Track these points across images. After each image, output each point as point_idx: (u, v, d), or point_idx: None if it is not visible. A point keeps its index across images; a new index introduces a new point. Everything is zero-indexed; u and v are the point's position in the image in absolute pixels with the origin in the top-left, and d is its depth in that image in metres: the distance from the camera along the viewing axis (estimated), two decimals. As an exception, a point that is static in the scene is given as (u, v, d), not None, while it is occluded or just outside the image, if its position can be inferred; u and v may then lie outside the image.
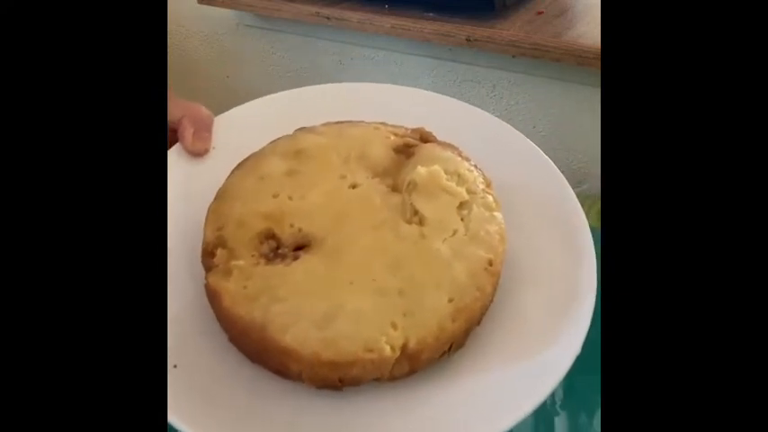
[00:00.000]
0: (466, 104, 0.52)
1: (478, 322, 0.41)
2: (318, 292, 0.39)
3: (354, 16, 1.02)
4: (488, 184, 0.46)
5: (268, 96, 0.54)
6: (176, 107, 0.48)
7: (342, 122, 0.49)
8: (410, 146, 0.47)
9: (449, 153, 0.47)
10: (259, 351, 0.39)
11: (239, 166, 0.46)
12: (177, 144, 0.47)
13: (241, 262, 0.40)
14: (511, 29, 0.93)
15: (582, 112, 0.98)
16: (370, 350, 0.37)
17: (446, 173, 0.45)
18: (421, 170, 0.44)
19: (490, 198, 0.45)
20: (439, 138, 0.48)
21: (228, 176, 0.45)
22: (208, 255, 0.42)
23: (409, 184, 0.44)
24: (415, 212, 0.43)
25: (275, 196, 0.43)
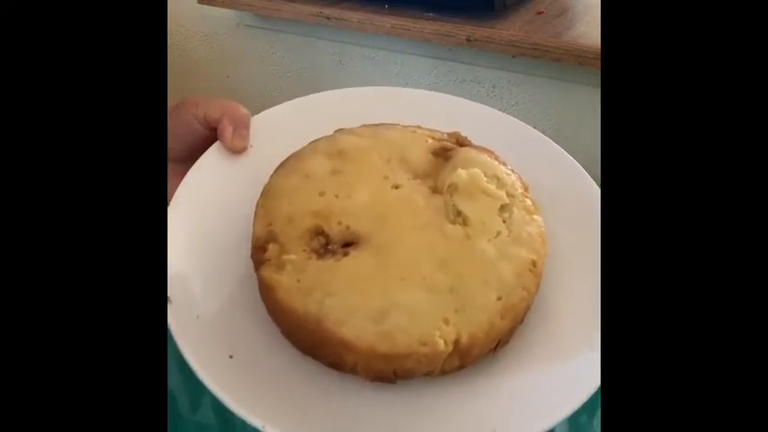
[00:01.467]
0: (494, 110, 0.55)
1: (522, 320, 0.43)
2: (370, 288, 0.41)
3: (354, 16, 1.02)
4: (526, 188, 0.48)
5: (304, 98, 0.57)
6: (216, 106, 0.50)
7: (378, 125, 0.50)
8: (447, 149, 0.49)
9: (485, 157, 0.48)
10: (314, 344, 0.40)
11: (282, 165, 0.47)
12: (217, 142, 0.49)
13: (293, 256, 0.42)
14: (511, 29, 0.93)
15: (582, 112, 0.98)
16: (425, 344, 0.39)
17: (485, 176, 0.47)
18: (461, 173, 0.46)
19: (529, 201, 0.47)
20: (473, 142, 0.50)
21: (272, 175, 0.47)
22: (259, 249, 0.43)
23: (450, 186, 0.46)
24: (458, 213, 0.44)
25: (321, 194, 0.45)
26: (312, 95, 0.57)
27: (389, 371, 0.39)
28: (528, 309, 0.43)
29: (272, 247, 0.42)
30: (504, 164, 0.48)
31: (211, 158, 0.49)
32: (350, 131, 0.50)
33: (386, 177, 0.46)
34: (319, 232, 0.43)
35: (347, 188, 0.45)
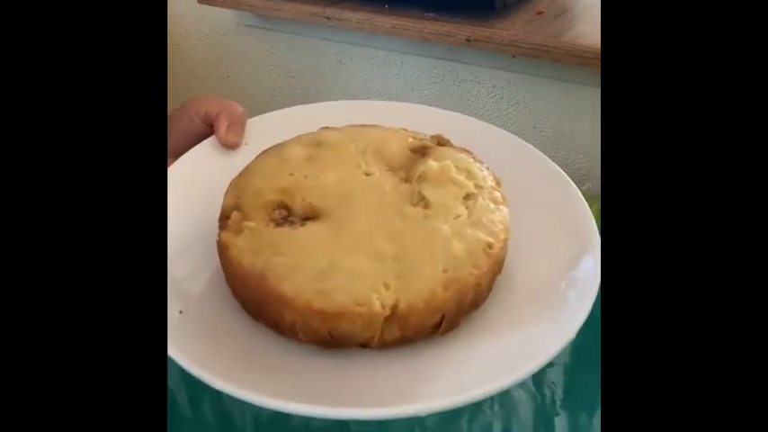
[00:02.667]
0: (489, 125, 0.56)
1: (476, 306, 0.43)
2: (318, 251, 0.41)
3: (354, 16, 1.02)
4: (498, 183, 0.48)
5: (303, 106, 0.59)
6: (214, 103, 0.53)
7: (364, 125, 0.52)
8: (426, 147, 0.50)
9: (462, 154, 0.49)
10: (258, 301, 0.41)
11: (264, 151, 0.50)
12: (212, 136, 0.52)
13: (253, 223, 0.43)
14: (511, 29, 0.93)
15: (582, 112, 0.98)
16: (361, 304, 0.39)
17: (457, 168, 0.47)
18: (432, 163, 0.47)
19: (497, 194, 0.47)
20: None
21: (253, 159, 0.49)
22: (224, 218, 0.45)
23: (420, 175, 0.46)
24: (422, 198, 0.45)
25: (291, 174, 0.47)
26: (314, 104, 0.59)
27: (325, 331, 0.39)
28: (480, 290, 0.42)
29: (234, 214, 0.44)
30: (481, 162, 0.49)
31: (202, 149, 0.52)
32: (333, 128, 0.51)
33: (358, 165, 0.47)
34: (282, 206, 0.45)
35: (317, 171, 0.47)
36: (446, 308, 0.41)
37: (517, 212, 0.47)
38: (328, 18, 1.04)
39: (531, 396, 0.59)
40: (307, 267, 0.40)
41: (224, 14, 1.23)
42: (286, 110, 0.58)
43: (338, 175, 0.47)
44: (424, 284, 0.40)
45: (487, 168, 0.48)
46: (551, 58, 0.90)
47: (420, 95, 1.10)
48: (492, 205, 0.46)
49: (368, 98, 1.15)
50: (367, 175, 0.47)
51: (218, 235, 0.44)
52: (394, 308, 0.39)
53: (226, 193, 0.46)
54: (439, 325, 0.41)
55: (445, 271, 0.41)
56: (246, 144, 0.53)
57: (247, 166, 0.48)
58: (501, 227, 0.44)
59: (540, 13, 0.97)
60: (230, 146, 0.52)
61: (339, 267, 0.40)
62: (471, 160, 0.49)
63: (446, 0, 0.97)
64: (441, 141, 0.51)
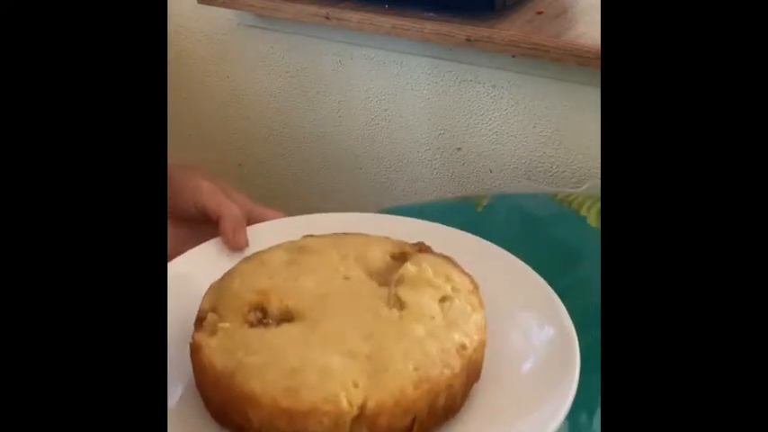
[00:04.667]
0: (472, 235, 0.55)
1: (450, 412, 0.42)
2: (291, 350, 0.41)
3: (354, 16, 1.02)
4: (476, 288, 0.47)
5: (287, 219, 0.59)
6: (213, 201, 0.56)
7: (348, 233, 0.52)
8: (407, 254, 0.50)
9: (442, 260, 0.49)
10: (225, 402, 0.40)
11: (246, 257, 0.50)
12: (203, 244, 0.54)
13: (227, 324, 0.43)
14: (511, 29, 0.93)
15: (582, 112, 0.98)
16: (328, 402, 0.38)
17: (435, 272, 0.47)
18: (410, 266, 0.47)
19: (475, 299, 0.46)
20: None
21: (236, 264, 0.49)
22: (200, 320, 0.44)
23: (397, 279, 0.46)
24: (398, 300, 0.44)
25: (271, 277, 0.47)
26: (301, 217, 0.59)
27: None
28: (453, 393, 0.41)
29: (210, 316, 0.44)
30: (462, 269, 0.49)
31: (206, 250, 0.53)
32: (317, 236, 0.51)
33: (337, 270, 0.47)
34: (259, 308, 0.44)
35: (297, 274, 0.47)
36: (417, 409, 0.39)
37: (497, 320, 0.46)
38: (328, 18, 1.04)
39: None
40: (278, 365, 0.40)
41: (224, 14, 1.23)
42: (272, 222, 0.58)
43: (317, 278, 0.46)
44: (393, 382, 0.39)
45: (466, 274, 0.48)
46: (551, 58, 0.90)
47: (420, 95, 1.10)
48: (468, 308, 0.45)
49: (368, 98, 1.15)
50: (346, 278, 0.47)
51: (192, 336, 0.43)
52: (362, 407, 0.38)
53: (204, 295, 0.46)
54: (410, 429, 0.40)
55: (416, 369, 0.40)
56: (229, 255, 0.53)
57: (228, 271, 0.48)
58: (475, 328, 0.44)
59: (539, 13, 0.97)
60: (240, 248, 0.54)
61: (310, 365, 0.39)
62: (450, 266, 0.48)
63: (446, 0, 0.97)
64: (422, 248, 0.50)
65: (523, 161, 1.04)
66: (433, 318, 0.43)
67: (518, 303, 0.49)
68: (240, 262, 0.49)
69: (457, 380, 0.41)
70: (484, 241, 0.54)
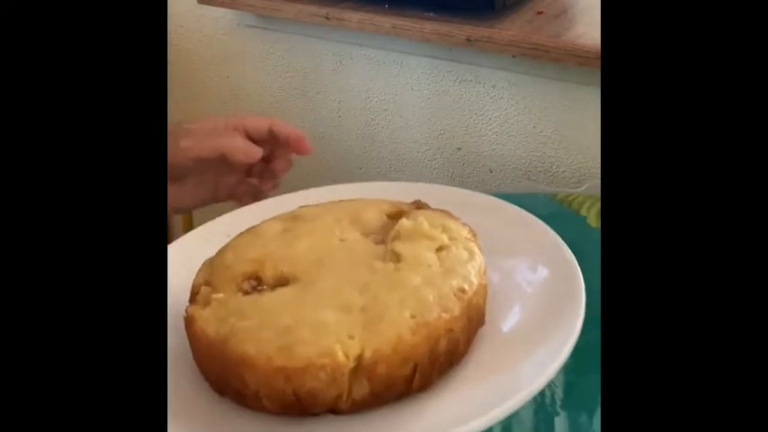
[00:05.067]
0: (471, 192, 0.55)
1: (453, 357, 0.41)
2: (285, 311, 0.40)
3: (354, 16, 1.02)
4: (474, 236, 0.47)
5: (292, 194, 0.59)
6: (206, 148, 0.59)
7: (343, 200, 0.51)
8: (404, 211, 0.49)
9: (439, 213, 0.48)
10: (221, 370, 0.40)
11: (242, 232, 0.49)
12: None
13: (221, 294, 0.43)
14: (511, 29, 0.92)
15: (582, 112, 0.98)
16: (324, 356, 0.37)
17: (431, 224, 0.46)
18: (405, 221, 0.46)
19: (473, 245, 0.45)
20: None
21: (231, 240, 0.48)
22: (193, 295, 0.44)
23: (393, 234, 0.45)
24: (394, 254, 0.44)
25: (265, 246, 0.46)
26: (299, 192, 0.58)
27: (290, 393, 0.37)
28: (453, 338, 0.40)
29: (203, 288, 0.44)
30: (458, 219, 0.48)
31: (192, 237, 0.53)
32: (313, 205, 0.51)
33: (333, 233, 0.47)
34: (253, 276, 0.44)
35: (291, 241, 0.46)
36: (416, 355, 0.38)
37: (499, 266, 0.46)
38: (328, 18, 1.04)
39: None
40: (271, 326, 0.39)
41: (224, 14, 1.23)
42: (270, 200, 0.58)
43: (312, 242, 0.46)
44: (390, 330, 0.38)
45: (464, 224, 0.47)
46: (551, 58, 0.90)
47: (420, 95, 1.10)
48: (466, 255, 0.44)
49: (368, 98, 1.15)
50: (341, 241, 0.46)
51: (186, 309, 0.43)
52: (359, 358, 0.37)
53: (198, 271, 0.46)
54: (412, 378, 0.39)
55: (413, 316, 0.39)
56: (228, 236, 0.52)
57: (223, 246, 0.48)
58: (474, 273, 0.43)
59: (540, 13, 0.97)
60: (256, 157, 0.57)
61: (304, 322, 0.39)
62: (448, 218, 0.48)
63: (446, 0, 0.97)
64: (419, 206, 0.50)
65: (523, 161, 1.04)
66: (430, 266, 0.43)
67: (520, 248, 0.49)
68: (235, 237, 0.49)
69: (457, 323, 0.40)
70: (482, 195, 0.54)
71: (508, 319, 0.44)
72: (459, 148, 1.10)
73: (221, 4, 1.15)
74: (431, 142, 1.12)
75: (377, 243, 0.46)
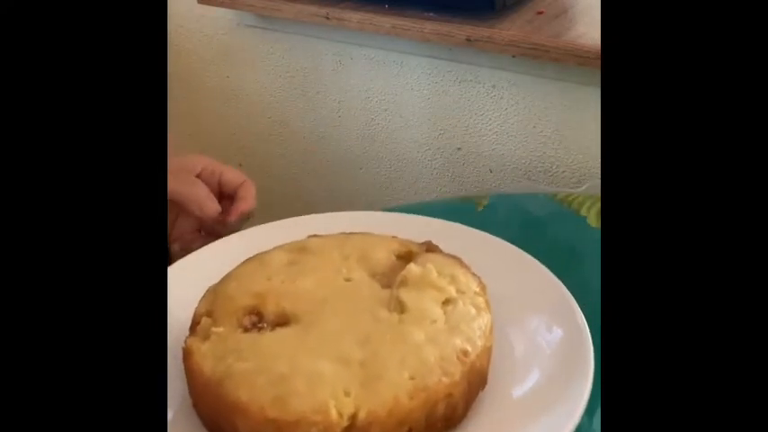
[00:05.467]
0: (486, 234, 0.54)
1: (451, 422, 0.40)
2: (282, 356, 0.39)
3: (354, 16, 1.02)
4: (483, 289, 0.45)
5: (292, 219, 0.59)
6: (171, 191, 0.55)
7: (353, 233, 0.50)
8: (413, 253, 0.48)
9: (449, 260, 0.47)
10: (214, 411, 0.39)
11: (247, 258, 0.48)
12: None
13: (220, 329, 0.42)
14: (511, 29, 0.92)
15: (582, 112, 0.98)
16: (317, 412, 0.36)
17: (439, 273, 0.45)
18: (413, 267, 0.45)
19: (481, 300, 0.44)
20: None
21: (236, 267, 0.48)
22: (194, 325, 0.43)
23: (401, 280, 0.44)
24: (399, 302, 0.43)
25: (269, 279, 0.45)
26: (312, 216, 0.58)
27: None
28: (453, 403, 0.39)
29: (204, 320, 0.43)
30: (469, 268, 0.47)
31: (197, 256, 0.52)
32: (321, 236, 0.50)
33: (339, 271, 0.46)
34: (254, 311, 0.43)
35: (296, 276, 0.45)
36: (412, 420, 0.37)
37: (506, 322, 0.44)
38: (328, 18, 1.04)
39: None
40: (267, 372, 0.38)
41: (224, 14, 1.23)
42: (279, 222, 0.57)
43: (316, 280, 0.45)
44: (387, 392, 0.37)
45: (473, 274, 0.46)
46: (551, 58, 0.90)
47: (420, 95, 1.10)
48: (473, 311, 0.43)
49: (368, 98, 1.15)
50: (347, 280, 0.45)
51: (185, 340, 0.42)
52: (353, 417, 0.36)
53: (201, 299, 0.45)
54: None
55: (412, 378, 0.38)
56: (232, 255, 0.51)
57: (228, 273, 0.47)
58: (480, 333, 0.41)
59: (540, 13, 0.97)
60: (213, 215, 0.56)
61: (300, 372, 0.38)
62: (457, 266, 0.46)
63: (446, 0, 0.97)
64: (429, 248, 0.48)
65: (523, 161, 1.04)
66: (435, 321, 0.41)
67: (529, 304, 0.47)
68: (241, 264, 0.48)
69: (457, 388, 0.39)
70: (493, 238, 0.52)
71: (511, 383, 0.43)
72: (459, 148, 1.10)
73: (221, 4, 1.15)
74: (431, 142, 1.12)
75: (383, 286, 0.45)
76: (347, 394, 0.37)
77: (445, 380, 0.39)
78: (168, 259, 0.50)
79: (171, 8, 1.25)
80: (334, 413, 0.36)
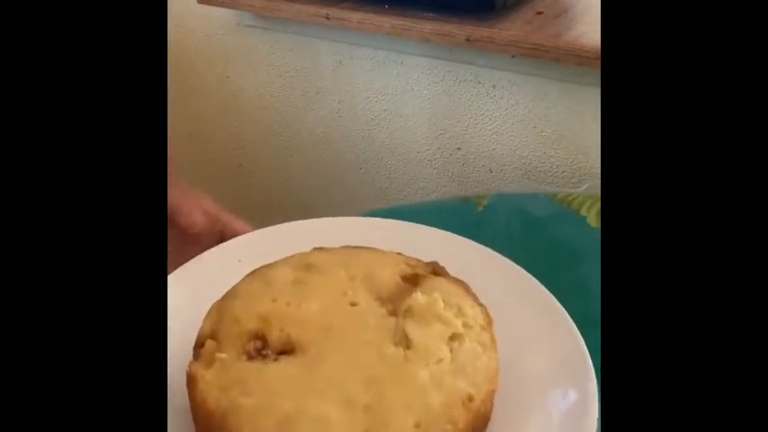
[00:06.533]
0: (488, 249, 0.53)
1: None
2: (288, 393, 0.39)
3: (354, 16, 1.02)
4: (489, 323, 0.45)
5: (297, 222, 0.58)
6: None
7: (359, 247, 0.50)
8: (419, 276, 0.47)
9: (455, 287, 0.47)
10: None
11: (252, 272, 0.48)
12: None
13: (225, 355, 0.42)
14: (511, 29, 0.93)
15: (582, 112, 0.98)
16: None
17: (446, 303, 0.45)
18: (419, 297, 0.44)
19: (487, 336, 0.44)
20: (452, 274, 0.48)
21: (240, 280, 0.47)
22: (198, 345, 0.43)
23: (406, 309, 0.44)
24: (405, 336, 0.42)
25: (274, 300, 0.45)
26: (310, 221, 0.58)
27: None
28: None
29: (208, 343, 0.43)
30: (475, 297, 0.47)
31: (194, 266, 0.51)
32: (326, 250, 0.50)
33: (345, 293, 0.45)
34: (259, 336, 0.43)
35: (301, 298, 0.45)
36: None
37: (511, 355, 0.44)
38: (328, 18, 1.04)
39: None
40: (271, 411, 0.38)
41: (224, 14, 1.23)
42: (282, 225, 0.56)
43: (322, 303, 0.45)
44: None
45: (480, 305, 0.46)
46: (551, 58, 0.90)
47: (420, 95, 1.10)
48: (479, 349, 0.43)
49: (368, 98, 1.15)
50: (353, 305, 0.45)
51: (189, 365, 0.42)
52: None
53: (205, 317, 0.45)
54: None
55: (417, 426, 0.38)
56: (240, 261, 0.51)
57: (232, 288, 0.47)
58: (485, 375, 0.41)
59: (540, 13, 0.97)
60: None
61: (305, 413, 0.38)
62: (464, 294, 0.46)
63: (446, 0, 0.97)
64: (435, 270, 0.48)
65: (523, 161, 1.04)
66: (441, 360, 0.41)
67: (535, 335, 0.46)
68: (245, 278, 0.48)
69: None
70: (501, 258, 0.52)
71: (512, 424, 0.42)
72: (459, 148, 1.10)
73: (221, 4, 1.15)
74: (431, 142, 1.12)
75: (389, 313, 0.44)
76: None
77: (449, 427, 0.39)
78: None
79: (171, 8, 1.25)
80: None
